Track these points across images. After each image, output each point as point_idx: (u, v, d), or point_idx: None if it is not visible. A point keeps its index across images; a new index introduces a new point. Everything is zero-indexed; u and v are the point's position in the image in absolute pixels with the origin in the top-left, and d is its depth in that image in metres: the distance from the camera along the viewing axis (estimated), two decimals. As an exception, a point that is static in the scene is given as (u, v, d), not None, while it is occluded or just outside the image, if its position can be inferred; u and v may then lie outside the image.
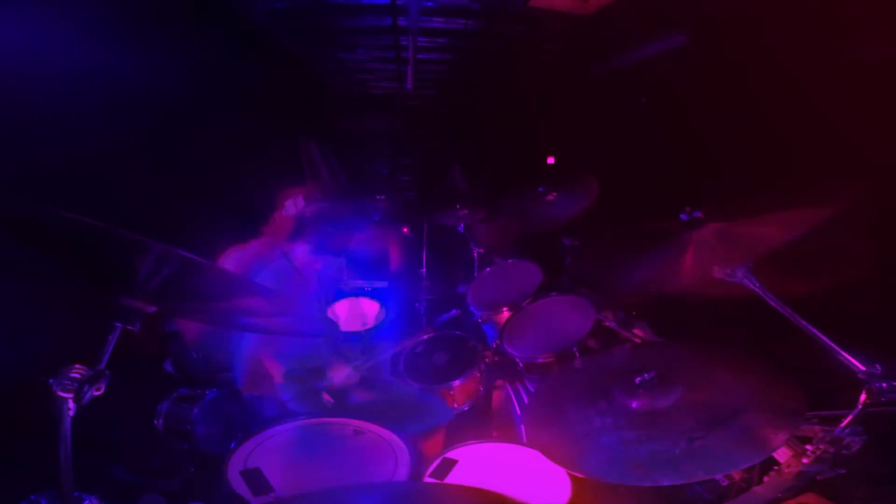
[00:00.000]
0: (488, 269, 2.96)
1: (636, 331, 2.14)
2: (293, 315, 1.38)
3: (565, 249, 2.79)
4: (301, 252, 2.17)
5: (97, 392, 0.93)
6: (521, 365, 2.29)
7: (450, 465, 1.51)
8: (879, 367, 0.99)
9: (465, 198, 4.08)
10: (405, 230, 4.60)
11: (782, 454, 1.11)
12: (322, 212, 2.18)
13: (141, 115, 2.36)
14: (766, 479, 1.11)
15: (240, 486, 1.31)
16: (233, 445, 1.48)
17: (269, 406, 2.06)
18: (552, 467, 1.45)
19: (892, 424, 1.00)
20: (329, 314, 2.69)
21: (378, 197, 4.12)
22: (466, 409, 2.37)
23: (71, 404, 0.89)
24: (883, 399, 0.97)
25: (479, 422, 2.43)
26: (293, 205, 2.13)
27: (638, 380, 1.18)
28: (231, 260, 2.02)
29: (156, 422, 2.11)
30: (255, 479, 1.34)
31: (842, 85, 1.95)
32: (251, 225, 2.23)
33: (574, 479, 1.39)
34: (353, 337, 2.66)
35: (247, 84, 3.32)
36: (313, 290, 2.32)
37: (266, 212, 2.17)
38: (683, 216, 1.33)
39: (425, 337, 2.65)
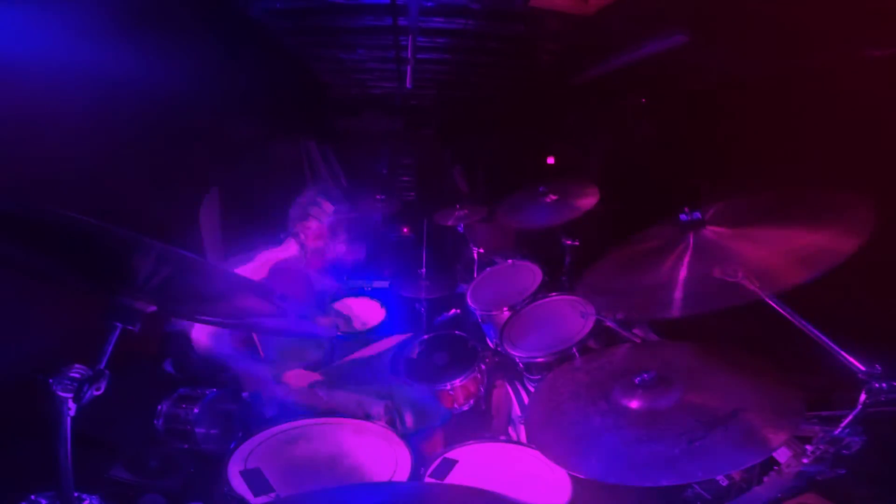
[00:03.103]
0: (488, 269, 2.96)
1: (636, 331, 2.14)
2: (293, 315, 1.38)
3: (565, 249, 2.79)
4: (333, 252, 2.21)
5: (97, 392, 0.93)
6: (521, 365, 2.29)
7: (450, 465, 1.51)
8: (879, 367, 0.99)
9: (465, 198, 4.08)
10: (405, 230, 4.60)
11: (782, 454, 1.11)
12: (346, 212, 2.21)
13: (140, 115, 2.37)
14: (765, 479, 1.11)
15: (240, 486, 1.31)
16: (233, 445, 1.48)
17: (269, 406, 2.06)
18: (552, 467, 1.45)
19: (892, 424, 1.00)
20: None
21: (378, 197, 4.12)
22: (466, 409, 2.37)
23: (71, 404, 0.89)
24: (883, 399, 0.97)
25: (479, 422, 2.43)
26: (322, 213, 2.15)
27: (638, 380, 1.18)
28: (266, 266, 2.04)
29: (156, 422, 2.11)
30: (255, 479, 1.34)
31: (845, 83, 1.95)
32: (251, 224, 2.24)
33: (574, 480, 1.39)
34: (353, 337, 2.66)
35: (246, 84, 3.32)
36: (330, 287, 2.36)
37: (269, 211, 2.17)
38: (683, 217, 1.33)
39: (425, 337, 2.65)
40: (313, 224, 2.16)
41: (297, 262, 2.17)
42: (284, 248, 2.18)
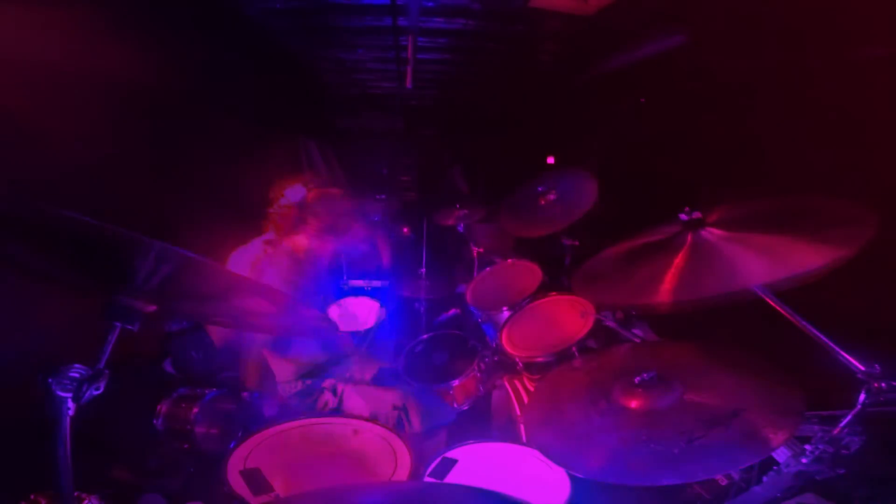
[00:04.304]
0: (488, 268, 2.96)
1: (636, 331, 2.14)
2: (293, 315, 1.38)
3: (565, 249, 2.79)
4: (307, 242, 2.17)
5: (96, 391, 0.93)
6: (520, 365, 2.29)
7: (450, 464, 1.51)
8: (878, 367, 0.99)
9: (465, 198, 4.07)
10: (405, 230, 4.60)
11: (782, 454, 1.11)
12: (323, 198, 2.18)
13: (140, 114, 2.36)
14: (765, 478, 1.11)
15: (239, 486, 1.32)
16: (233, 445, 1.49)
17: (269, 406, 2.06)
18: (552, 467, 1.45)
19: (891, 424, 1.00)
20: (329, 314, 2.69)
21: (378, 197, 4.12)
22: (466, 408, 2.37)
23: (70, 404, 0.90)
24: (882, 399, 0.97)
25: (478, 422, 2.43)
26: (293, 193, 2.12)
27: (638, 380, 1.18)
28: (238, 264, 2.02)
29: (155, 422, 2.11)
30: (255, 478, 1.34)
31: (846, 83, 1.95)
32: (251, 223, 2.24)
33: (573, 479, 1.39)
34: (353, 337, 2.67)
35: (247, 84, 3.32)
36: (321, 283, 2.34)
37: (264, 209, 2.17)
38: (683, 216, 1.33)
39: (425, 337, 2.66)
40: (282, 204, 2.11)
41: (270, 250, 2.12)
42: (255, 241, 2.12)
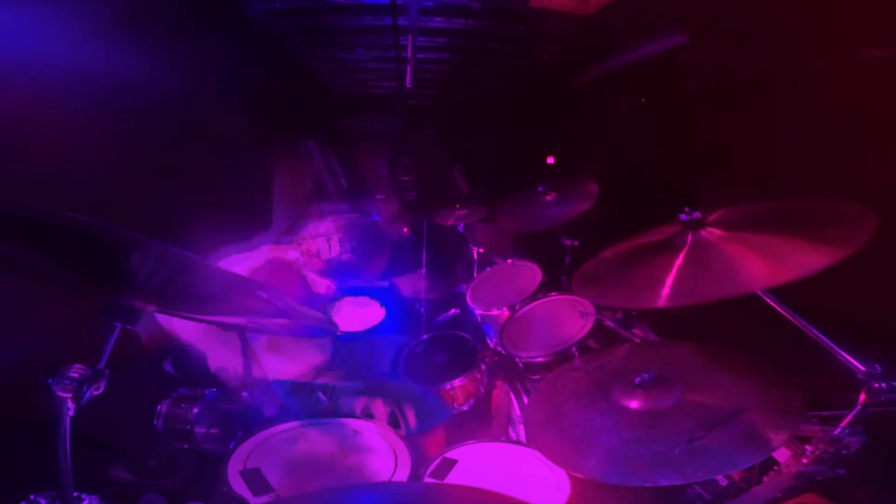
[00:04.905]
0: (488, 269, 2.96)
1: (636, 331, 2.14)
2: (293, 315, 1.38)
3: (565, 249, 2.78)
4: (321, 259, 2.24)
5: (96, 392, 0.93)
6: (521, 365, 2.29)
7: (450, 465, 1.51)
8: (879, 367, 0.99)
9: (465, 198, 4.07)
10: (405, 230, 4.60)
11: (782, 454, 1.11)
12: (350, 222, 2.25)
13: (140, 115, 2.36)
14: (765, 479, 1.11)
15: (239, 486, 1.32)
16: (232, 445, 1.49)
17: (269, 406, 2.07)
18: (552, 467, 1.45)
19: (891, 424, 1.00)
20: (329, 314, 2.69)
21: (378, 197, 4.12)
22: (466, 409, 2.37)
23: (70, 404, 0.90)
24: (882, 399, 0.97)
25: (479, 422, 2.43)
26: (318, 227, 2.21)
27: (638, 380, 1.18)
28: (235, 268, 2.05)
29: (155, 422, 2.11)
30: (255, 479, 1.34)
31: (846, 84, 1.95)
32: (252, 224, 2.24)
33: (573, 480, 1.39)
34: (353, 337, 2.67)
35: (246, 84, 3.32)
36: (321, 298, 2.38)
37: (265, 209, 2.19)
38: (683, 216, 1.33)
39: (425, 337, 2.66)
40: (320, 243, 2.22)
41: (295, 264, 2.19)
42: (286, 249, 2.20)
